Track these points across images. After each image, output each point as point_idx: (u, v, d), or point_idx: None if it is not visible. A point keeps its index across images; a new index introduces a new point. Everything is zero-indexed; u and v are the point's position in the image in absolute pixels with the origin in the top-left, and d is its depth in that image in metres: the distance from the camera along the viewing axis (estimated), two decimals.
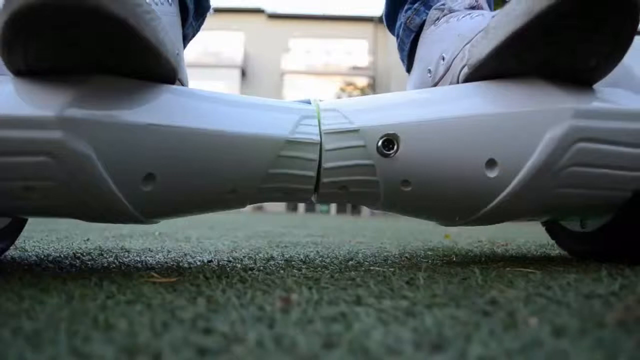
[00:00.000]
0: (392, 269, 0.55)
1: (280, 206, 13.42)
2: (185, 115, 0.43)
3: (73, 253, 0.69)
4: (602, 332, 0.26)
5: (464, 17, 0.58)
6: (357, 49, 17.02)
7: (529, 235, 1.61)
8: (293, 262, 0.62)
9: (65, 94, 0.38)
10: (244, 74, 16.88)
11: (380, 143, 0.47)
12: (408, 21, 0.66)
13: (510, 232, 1.97)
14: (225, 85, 16.07)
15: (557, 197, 0.49)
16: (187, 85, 0.57)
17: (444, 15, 0.61)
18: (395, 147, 0.47)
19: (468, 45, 0.54)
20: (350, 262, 0.62)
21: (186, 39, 0.61)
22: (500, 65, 0.49)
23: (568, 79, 0.48)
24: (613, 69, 0.47)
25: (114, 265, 0.57)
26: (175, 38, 0.53)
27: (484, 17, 0.56)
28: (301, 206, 13.46)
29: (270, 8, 18.38)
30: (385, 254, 0.76)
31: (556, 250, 0.83)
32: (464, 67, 0.53)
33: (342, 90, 16.91)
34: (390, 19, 0.70)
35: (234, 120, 0.46)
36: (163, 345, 0.24)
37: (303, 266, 0.58)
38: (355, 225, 2.58)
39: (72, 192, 0.40)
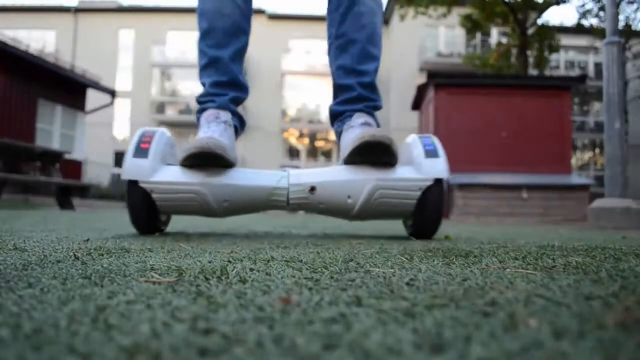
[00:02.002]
0: (392, 270, 0.55)
1: None
2: (238, 179, 1.28)
3: (73, 253, 0.69)
4: (602, 333, 0.26)
5: (356, 131, 1.31)
6: None
7: (529, 236, 1.61)
8: (293, 263, 0.62)
9: (201, 175, 1.26)
10: (244, 74, 16.86)
11: (309, 189, 1.29)
12: (336, 128, 1.46)
13: (511, 233, 1.97)
14: None
15: (378, 209, 1.30)
16: (236, 156, 1.38)
17: (349, 128, 1.36)
18: (315, 190, 1.29)
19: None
20: (350, 263, 0.62)
21: (235, 141, 1.41)
22: (351, 161, 1.29)
23: (383, 165, 1.28)
24: (398, 160, 1.28)
25: (114, 265, 0.57)
26: (233, 144, 1.36)
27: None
28: None
29: (270, 9, 18.38)
30: (385, 254, 0.76)
31: (556, 252, 0.84)
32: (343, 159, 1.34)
33: None
34: (332, 125, 1.49)
35: (255, 180, 1.30)
36: (163, 345, 0.24)
37: (303, 267, 0.58)
38: (355, 225, 2.58)
39: (202, 206, 1.28)
